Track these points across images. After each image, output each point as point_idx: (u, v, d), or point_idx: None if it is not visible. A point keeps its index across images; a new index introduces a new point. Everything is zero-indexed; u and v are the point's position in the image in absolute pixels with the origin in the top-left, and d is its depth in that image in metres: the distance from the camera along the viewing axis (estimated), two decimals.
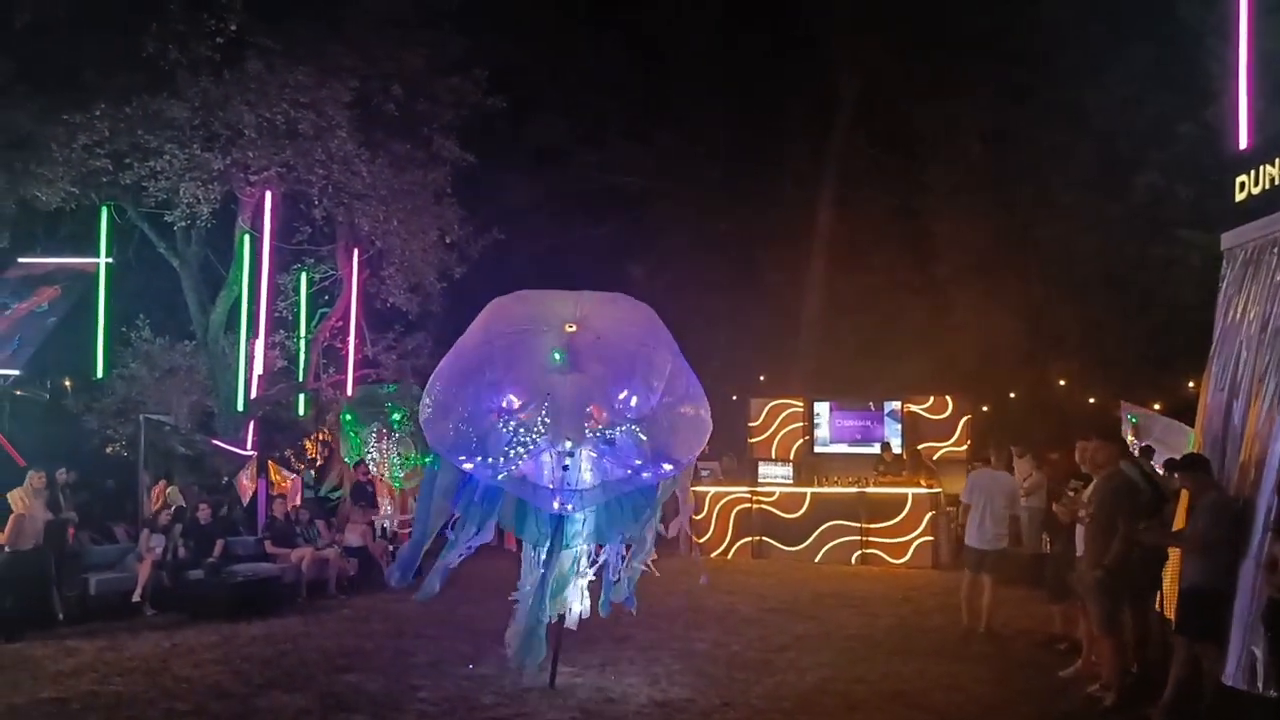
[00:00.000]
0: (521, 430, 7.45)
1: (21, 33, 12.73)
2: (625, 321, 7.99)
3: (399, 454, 16.92)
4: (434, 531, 8.16)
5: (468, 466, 7.70)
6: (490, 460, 7.50)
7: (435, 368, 8.09)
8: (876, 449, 17.28)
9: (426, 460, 18.20)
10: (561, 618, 8.13)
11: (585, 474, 7.71)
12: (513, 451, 7.43)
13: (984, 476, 10.63)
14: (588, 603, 8.37)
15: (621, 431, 7.56)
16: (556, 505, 7.63)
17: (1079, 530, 8.17)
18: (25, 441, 13.52)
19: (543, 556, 7.88)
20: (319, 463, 18.53)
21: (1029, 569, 12.88)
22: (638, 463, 7.63)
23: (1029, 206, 20.79)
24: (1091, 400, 23.70)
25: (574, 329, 7.62)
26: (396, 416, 17.18)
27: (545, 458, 7.61)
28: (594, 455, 7.66)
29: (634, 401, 7.68)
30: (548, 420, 7.41)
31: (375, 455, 16.81)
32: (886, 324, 22.07)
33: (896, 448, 17.17)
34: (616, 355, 7.70)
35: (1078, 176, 19.26)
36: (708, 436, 8.15)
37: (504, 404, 7.62)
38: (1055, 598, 9.66)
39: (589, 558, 8.29)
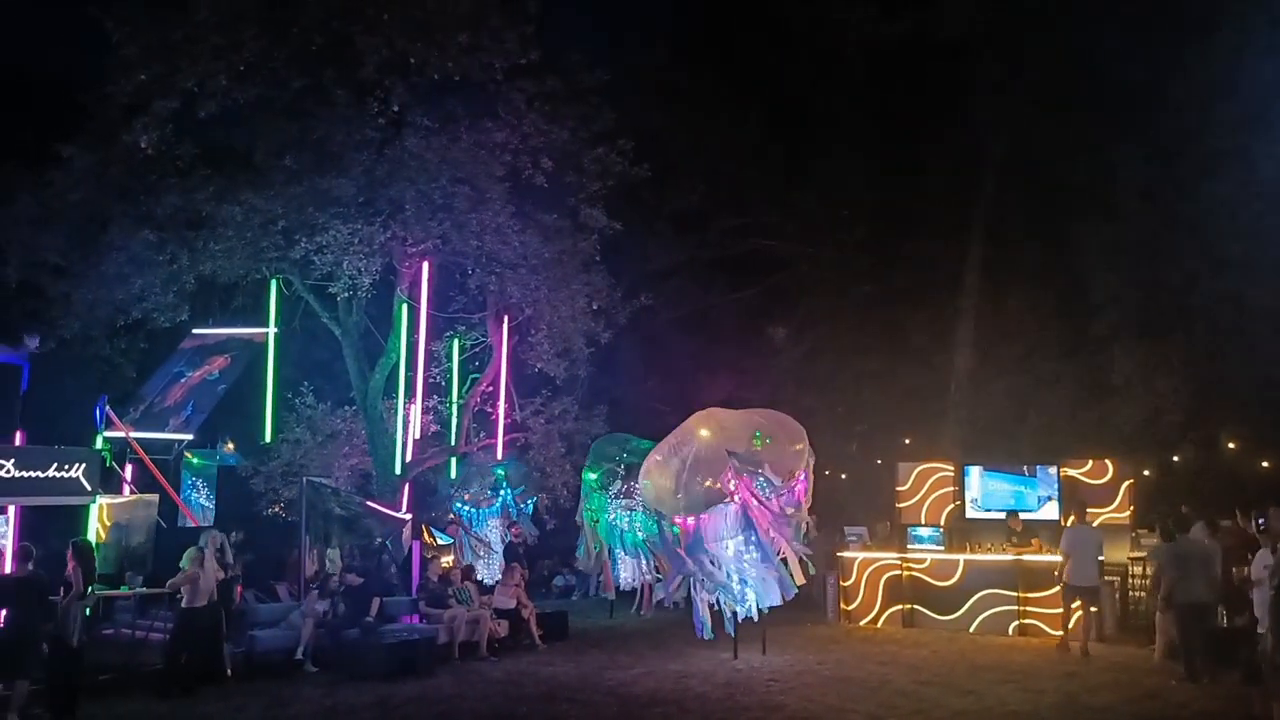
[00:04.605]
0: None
1: (204, 121, 13.68)
2: (793, 430, 13.08)
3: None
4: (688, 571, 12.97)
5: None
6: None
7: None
8: (1035, 513, 16.61)
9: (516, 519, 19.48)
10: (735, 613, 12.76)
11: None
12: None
13: (1079, 530, 13.66)
14: (749, 605, 12.78)
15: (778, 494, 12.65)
16: (688, 565, 12.77)
17: (1256, 601, 7.70)
18: (197, 504, 14.28)
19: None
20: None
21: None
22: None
23: (1193, 260, 19.89)
24: (1265, 464, 22.33)
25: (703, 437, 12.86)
26: (518, 490, 18.77)
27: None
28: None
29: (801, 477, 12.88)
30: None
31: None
32: (1040, 385, 21.32)
33: (1028, 514, 16.50)
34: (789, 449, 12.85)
35: (1247, 226, 18.36)
36: None
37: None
38: (1251, 679, 8.99)
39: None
